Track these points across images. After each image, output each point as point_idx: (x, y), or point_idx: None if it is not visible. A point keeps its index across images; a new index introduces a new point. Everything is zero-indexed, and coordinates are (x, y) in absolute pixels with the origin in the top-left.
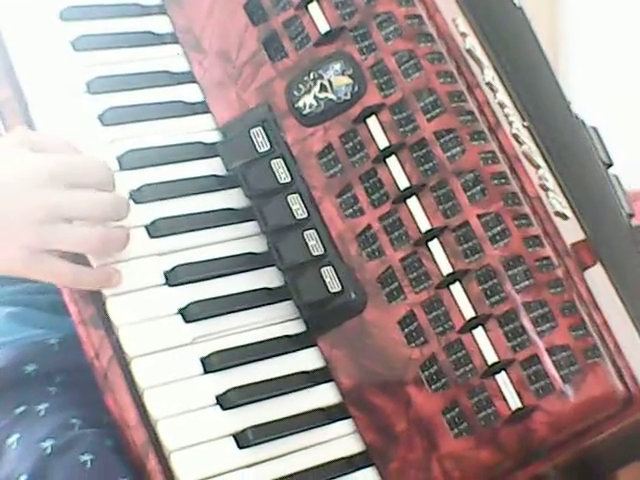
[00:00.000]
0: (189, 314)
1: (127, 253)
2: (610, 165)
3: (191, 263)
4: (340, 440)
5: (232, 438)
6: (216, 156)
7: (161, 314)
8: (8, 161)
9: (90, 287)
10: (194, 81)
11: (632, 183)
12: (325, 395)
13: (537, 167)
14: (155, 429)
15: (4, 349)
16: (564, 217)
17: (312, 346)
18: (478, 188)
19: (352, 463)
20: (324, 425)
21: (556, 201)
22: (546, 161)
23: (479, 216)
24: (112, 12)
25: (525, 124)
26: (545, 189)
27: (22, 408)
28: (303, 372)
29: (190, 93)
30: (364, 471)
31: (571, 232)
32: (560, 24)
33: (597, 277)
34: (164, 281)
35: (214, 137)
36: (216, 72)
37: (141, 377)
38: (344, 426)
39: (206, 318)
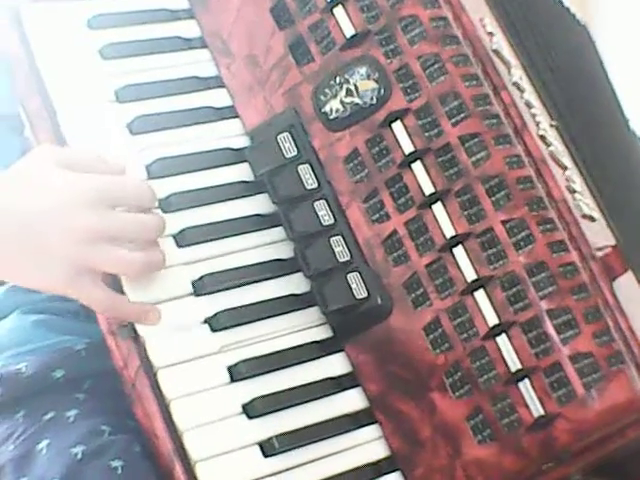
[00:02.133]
0: (216, 323)
1: None
2: None
3: (218, 272)
4: (366, 446)
5: (258, 447)
6: (244, 161)
7: (188, 323)
8: (51, 182)
9: (126, 318)
10: (222, 85)
11: None
12: (352, 401)
13: (564, 168)
14: (181, 439)
15: (32, 356)
16: (591, 219)
17: (339, 351)
18: (503, 193)
19: (378, 469)
20: (351, 431)
21: (583, 203)
22: (575, 161)
23: (503, 222)
24: (140, 18)
25: (553, 123)
26: (572, 191)
27: (51, 414)
28: (330, 378)
29: (219, 98)
30: (390, 476)
31: (599, 235)
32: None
33: (625, 281)
34: (192, 291)
35: (243, 142)
36: (244, 76)
37: (168, 388)
38: (371, 432)
39: (233, 327)
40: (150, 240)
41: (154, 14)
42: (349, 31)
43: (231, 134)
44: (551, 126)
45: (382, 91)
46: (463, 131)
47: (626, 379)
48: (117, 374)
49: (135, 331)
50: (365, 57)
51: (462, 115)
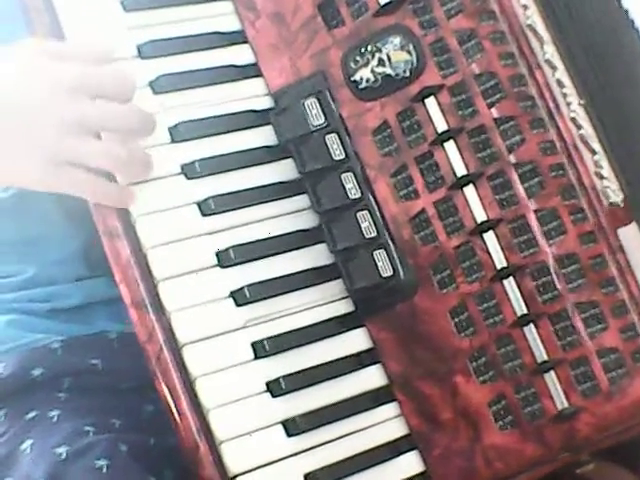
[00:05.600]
0: (241, 297)
1: (179, 233)
2: None
3: (243, 244)
4: (385, 424)
5: (281, 426)
6: (267, 124)
7: (213, 298)
8: (28, 70)
9: (112, 203)
10: (245, 41)
11: None
12: (372, 378)
13: (593, 152)
14: (206, 418)
15: (8, 356)
16: (618, 206)
17: (360, 326)
18: (536, 180)
19: (396, 447)
20: (370, 409)
21: (610, 190)
22: (602, 144)
23: (536, 210)
24: None
25: (582, 102)
26: (600, 177)
27: (33, 414)
28: (351, 355)
29: (241, 54)
30: (408, 455)
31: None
32: None
33: None
34: (216, 262)
35: (266, 102)
36: (269, 34)
37: (193, 365)
38: (389, 409)
39: (257, 301)
40: (136, 131)
41: None
42: None
43: (254, 94)
44: (579, 104)
45: (416, 64)
46: (499, 113)
47: None
48: (96, 372)
49: (162, 305)
50: (399, 26)
51: (498, 96)
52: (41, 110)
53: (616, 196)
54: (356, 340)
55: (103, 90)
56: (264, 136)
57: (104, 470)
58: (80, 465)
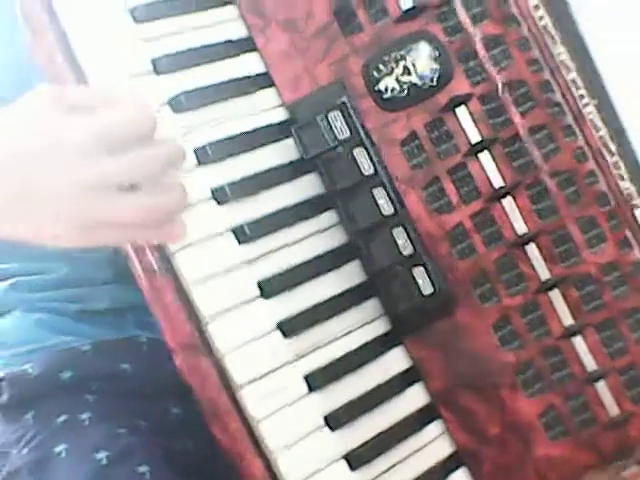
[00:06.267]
0: (287, 329)
1: (218, 265)
2: None
3: (281, 272)
4: (433, 443)
5: (344, 460)
6: (286, 137)
7: (259, 329)
8: (44, 128)
9: (153, 239)
10: (254, 49)
11: None
12: (415, 398)
13: (612, 154)
14: (274, 461)
15: (37, 356)
16: (637, 207)
17: (398, 345)
18: (573, 189)
19: (446, 465)
20: (418, 431)
21: (631, 192)
22: (617, 145)
23: (576, 220)
24: None
25: (594, 102)
26: (622, 178)
27: (64, 417)
28: (394, 377)
29: (252, 63)
30: (457, 473)
31: None
32: None
33: None
34: (259, 293)
35: (280, 114)
36: (281, 42)
37: (252, 407)
38: (435, 428)
39: (302, 331)
40: (163, 171)
41: None
42: (406, 3)
43: (269, 106)
44: (594, 106)
45: (443, 72)
46: (532, 122)
47: None
48: (125, 376)
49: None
50: (423, 33)
51: (530, 104)
52: (62, 174)
53: (636, 198)
54: (396, 360)
55: (122, 142)
56: (285, 151)
57: (147, 476)
58: (122, 471)
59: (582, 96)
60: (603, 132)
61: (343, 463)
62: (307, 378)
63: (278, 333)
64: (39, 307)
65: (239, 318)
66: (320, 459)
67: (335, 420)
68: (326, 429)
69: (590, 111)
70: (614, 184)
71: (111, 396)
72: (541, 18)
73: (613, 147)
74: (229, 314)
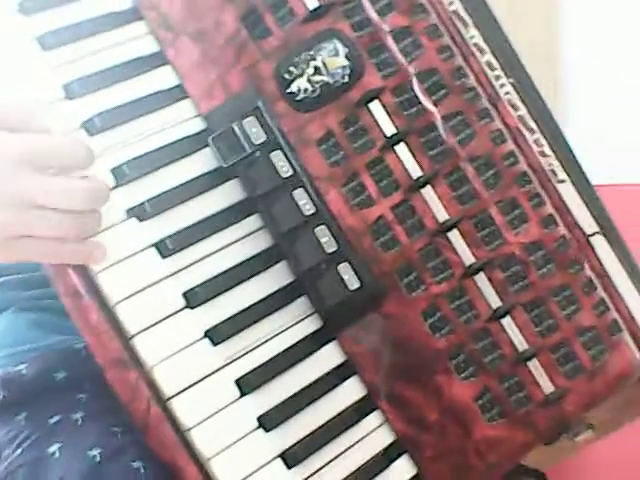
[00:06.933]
0: (215, 336)
1: (142, 281)
2: None
3: (207, 281)
4: (373, 435)
5: (280, 459)
6: (204, 147)
7: (189, 341)
8: None
9: (72, 261)
10: (166, 63)
11: None
12: (351, 391)
13: (531, 131)
14: (208, 467)
15: (31, 357)
16: (562, 182)
17: (331, 341)
18: (491, 172)
19: (387, 455)
20: (357, 423)
21: (555, 167)
22: (537, 123)
23: (497, 202)
24: None
25: (511, 81)
26: (544, 155)
27: (57, 417)
28: (328, 373)
29: (165, 77)
30: (399, 461)
31: (572, 199)
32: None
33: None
34: (184, 303)
35: (197, 124)
36: (192, 53)
37: (183, 416)
38: (374, 419)
39: (232, 336)
40: (81, 208)
41: None
42: (312, 3)
43: (184, 117)
44: (511, 84)
45: (354, 68)
46: (446, 110)
47: (625, 346)
48: None
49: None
50: (331, 31)
51: (442, 92)
52: None
53: (560, 171)
54: (329, 356)
55: (56, 161)
56: (204, 161)
57: (142, 471)
58: (116, 466)
59: (498, 77)
60: (522, 111)
61: (279, 462)
62: (238, 382)
63: (207, 341)
64: (30, 306)
65: (166, 330)
66: (255, 461)
67: (269, 421)
68: (260, 430)
69: (508, 91)
70: (536, 162)
71: (102, 394)
72: (451, 3)
73: (533, 125)
74: (156, 327)
